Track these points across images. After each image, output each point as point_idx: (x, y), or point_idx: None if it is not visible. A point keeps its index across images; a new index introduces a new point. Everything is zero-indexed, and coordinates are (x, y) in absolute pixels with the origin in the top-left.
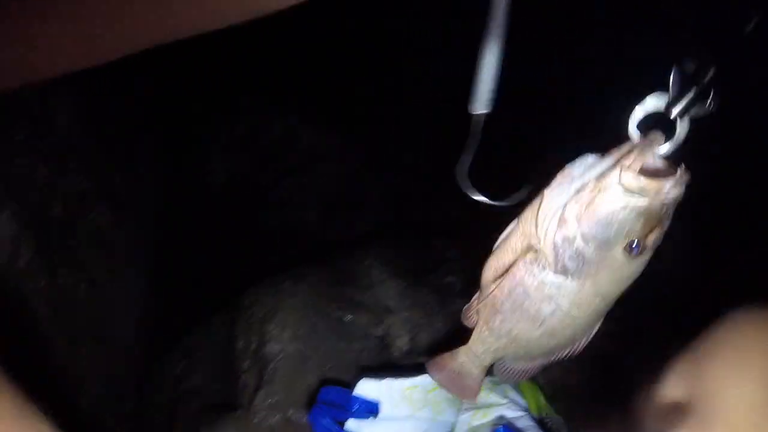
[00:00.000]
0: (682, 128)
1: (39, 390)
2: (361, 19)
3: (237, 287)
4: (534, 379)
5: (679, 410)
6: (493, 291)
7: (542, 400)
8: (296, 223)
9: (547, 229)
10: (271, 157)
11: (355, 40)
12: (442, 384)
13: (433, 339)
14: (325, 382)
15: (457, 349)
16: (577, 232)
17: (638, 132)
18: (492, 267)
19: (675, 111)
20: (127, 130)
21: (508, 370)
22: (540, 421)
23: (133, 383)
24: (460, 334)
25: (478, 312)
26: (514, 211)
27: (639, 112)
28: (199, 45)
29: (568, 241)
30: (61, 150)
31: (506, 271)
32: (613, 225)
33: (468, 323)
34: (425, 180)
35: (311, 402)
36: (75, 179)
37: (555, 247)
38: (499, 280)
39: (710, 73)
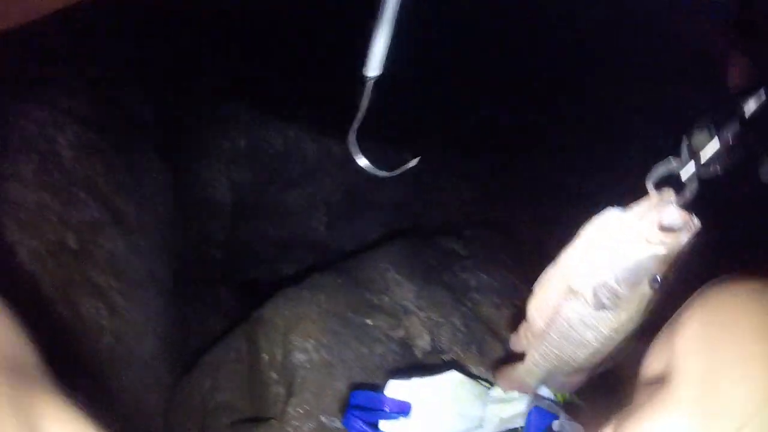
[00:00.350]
0: (690, 189)
1: None
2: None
3: (253, 300)
4: None
5: (655, 385)
6: (539, 326)
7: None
8: (305, 233)
9: (584, 278)
10: (275, 168)
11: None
12: (507, 389)
13: (453, 336)
14: (353, 387)
15: (515, 366)
16: (612, 277)
17: (654, 189)
18: (536, 306)
19: (684, 175)
20: (130, 154)
21: (559, 382)
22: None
23: (161, 405)
24: (476, 329)
25: (527, 339)
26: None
27: (655, 174)
28: (198, 59)
29: (605, 286)
30: (69, 182)
31: (549, 308)
32: (641, 270)
33: (515, 349)
34: (426, 182)
35: (342, 407)
36: (85, 210)
37: (594, 291)
38: (545, 316)
39: (714, 145)
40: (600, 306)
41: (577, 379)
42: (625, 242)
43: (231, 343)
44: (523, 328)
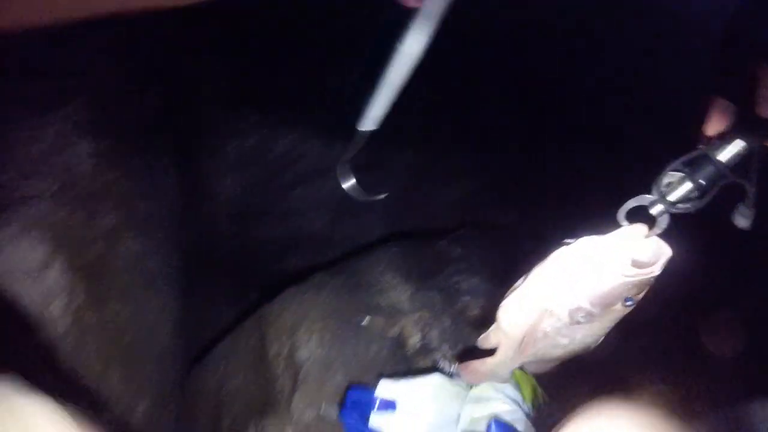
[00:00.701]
0: (661, 224)
1: (98, 411)
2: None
3: (261, 296)
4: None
5: None
6: (515, 333)
7: (537, 390)
8: (309, 230)
9: (561, 301)
10: (280, 168)
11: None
12: (472, 382)
13: (441, 336)
14: (350, 381)
15: (486, 360)
16: (586, 302)
17: (626, 221)
18: (511, 320)
19: (655, 212)
20: (144, 158)
21: (532, 369)
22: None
23: (177, 391)
24: (463, 329)
25: (498, 339)
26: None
27: (625, 209)
28: (207, 65)
29: (580, 309)
30: (89, 194)
31: (525, 323)
32: (614, 295)
33: (484, 347)
34: (421, 187)
35: (340, 399)
36: (106, 218)
37: (570, 313)
38: (521, 327)
39: (687, 186)
40: (575, 322)
41: (551, 366)
42: (599, 272)
43: (241, 335)
44: (494, 331)
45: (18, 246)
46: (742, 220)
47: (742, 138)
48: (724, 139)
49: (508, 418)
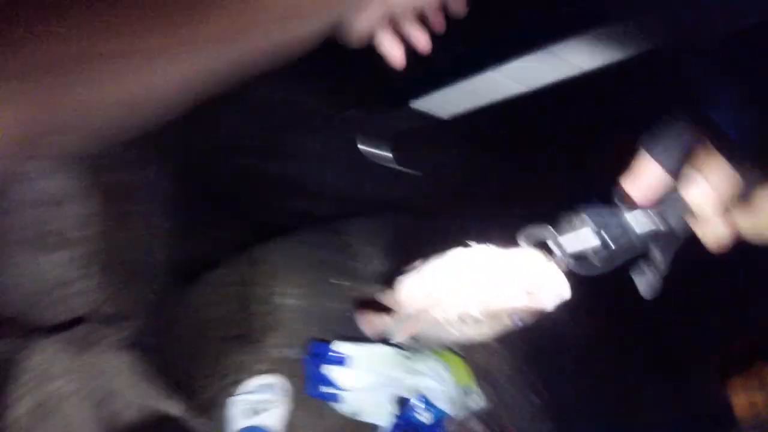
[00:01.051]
0: (560, 261)
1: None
2: None
3: (250, 229)
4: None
5: None
6: (407, 305)
7: (467, 375)
8: (312, 181)
9: (451, 301)
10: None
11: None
12: (366, 332)
13: None
14: (317, 333)
15: (383, 316)
16: (476, 310)
17: (528, 245)
18: (408, 284)
19: (554, 249)
20: None
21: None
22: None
23: (167, 306)
24: None
25: (393, 304)
26: None
27: (526, 235)
28: None
29: (470, 316)
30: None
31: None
32: (503, 312)
33: (381, 302)
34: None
35: (305, 347)
36: (132, 149)
37: (459, 315)
38: (415, 302)
39: (585, 241)
40: (463, 322)
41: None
42: (492, 287)
43: (228, 272)
44: (392, 295)
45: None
46: (647, 288)
47: (660, 214)
48: (644, 206)
49: (431, 395)
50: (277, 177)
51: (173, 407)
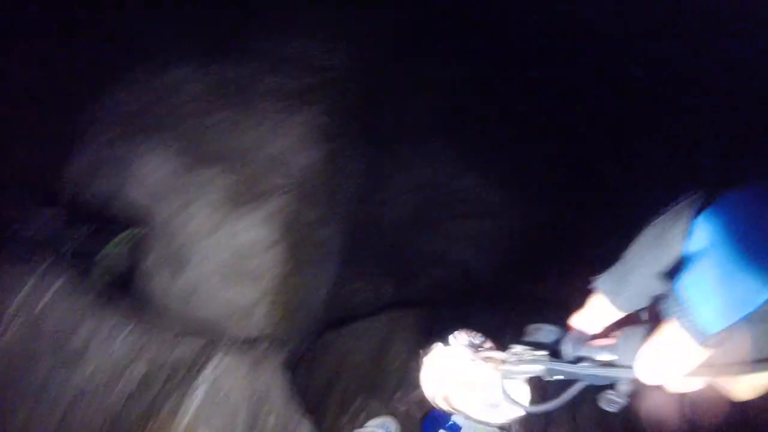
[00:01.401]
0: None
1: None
2: None
3: (391, 290)
4: None
5: None
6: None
7: None
8: (454, 259)
9: (437, 395)
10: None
11: None
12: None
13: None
14: None
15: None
16: (453, 410)
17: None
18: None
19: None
20: (350, 161)
21: None
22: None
23: (317, 341)
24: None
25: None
26: None
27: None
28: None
29: (452, 412)
30: (314, 186)
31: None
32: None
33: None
34: None
35: (426, 410)
36: (317, 207)
37: (446, 407)
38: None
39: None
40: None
41: None
42: (470, 386)
43: (373, 325)
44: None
45: (257, 230)
46: (609, 406)
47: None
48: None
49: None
50: (428, 251)
51: (305, 427)
